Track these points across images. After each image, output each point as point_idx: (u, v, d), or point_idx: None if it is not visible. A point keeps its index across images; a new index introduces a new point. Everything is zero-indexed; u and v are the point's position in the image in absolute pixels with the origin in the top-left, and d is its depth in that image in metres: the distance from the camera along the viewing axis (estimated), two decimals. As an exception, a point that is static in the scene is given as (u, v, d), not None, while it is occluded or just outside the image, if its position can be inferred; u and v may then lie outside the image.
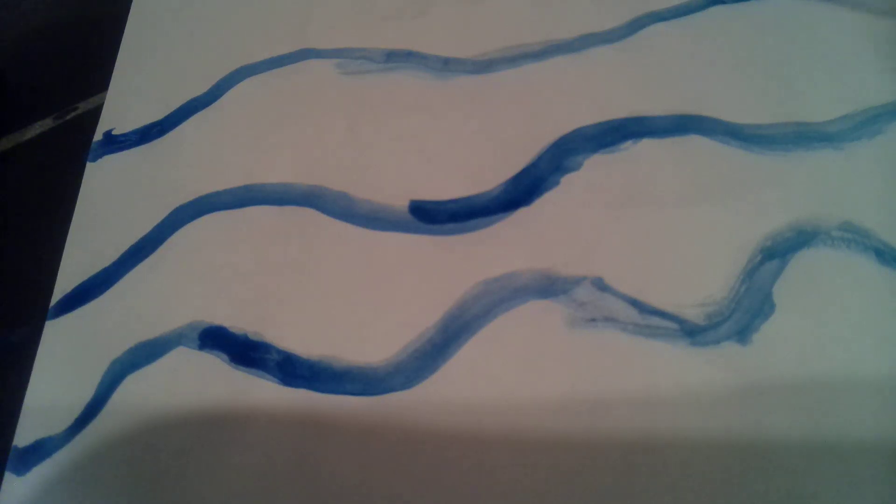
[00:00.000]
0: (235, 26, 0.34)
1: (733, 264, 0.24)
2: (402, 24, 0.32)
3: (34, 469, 0.23)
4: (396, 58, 0.31)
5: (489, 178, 0.27)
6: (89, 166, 0.30)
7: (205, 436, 0.23)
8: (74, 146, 0.31)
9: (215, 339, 0.25)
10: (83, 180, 0.30)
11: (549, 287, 0.24)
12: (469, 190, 0.27)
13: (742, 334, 0.23)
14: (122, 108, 0.32)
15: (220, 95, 0.31)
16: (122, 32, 0.35)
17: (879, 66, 0.28)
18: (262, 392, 0.24)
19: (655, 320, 0.23)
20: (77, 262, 0.28)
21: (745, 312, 0.23)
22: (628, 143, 0.27)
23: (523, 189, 0.27)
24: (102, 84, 0.33)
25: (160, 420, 0.24)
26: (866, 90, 0.27)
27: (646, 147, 0.27)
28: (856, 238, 0.24)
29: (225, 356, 0.25)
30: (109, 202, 0.29)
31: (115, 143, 0.31)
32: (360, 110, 0.30)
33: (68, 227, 0.29)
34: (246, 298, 0.26)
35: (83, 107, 0.34)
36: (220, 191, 0.29)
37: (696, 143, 0.27)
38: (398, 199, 0.27)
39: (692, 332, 0.23)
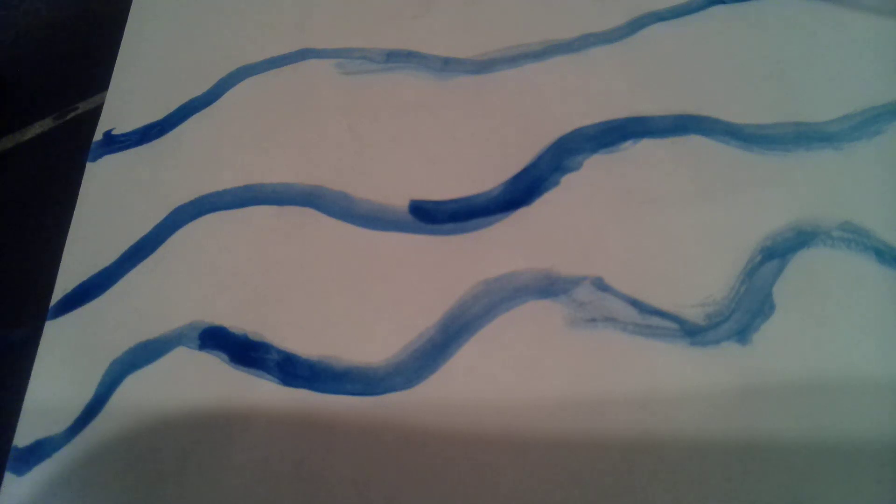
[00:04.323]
0: (235, 26, 0.34)
1: (733, 264, 0.24)
2: (402, 24, 0.32)
3: (34, 469, 0.23)
4: (396, 58, 0.31)
5: (489, 178, 0.27)
6: (89, 166, 0.30)
7: (205, 436, 0.23)
8: (74, 146, 0.31)
9: (215, 339, 0.25)
10: (83, 180, 0.30)
11: (549, 287, 0.24)
12: (469, 190, 0.27)
13: (742, 334, 0.23)
14: (122, 108, 0.32)
15: (220, 95, 0.31)
16: (123, 32, 0.35)
17: (879, 66, 0.28)
18: (262, 392, 0.24)
19: (655, 320, 0.23)
20: (77, 262, 0.28)
21: (745, 312, 0.23)
22: (628, 143, 0.27)
23: (523, 189, 0.27)
24: (102, 84, 0.33)
25: (160, 420, 0.24)
26: (866, 90, 0.27)
27: (646, 147, 0.27)
28: (856, 238, 0.24)
29: (225, 356, 0.25)
30: (109, 202, 0.29)
31: (115, 143, 0.31)
32: (360, 110, 0.30)
33: (68, 227, 0.29)
34: (246, 298, 0.26)
35: (83, 107, 0.34)
36: (220, 191, 0.29)
37: (696, 143, 0.27)
38: (398, 199, 0.27)
39: (692, 332, 0.23)
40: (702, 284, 0.24)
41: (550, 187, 0.27)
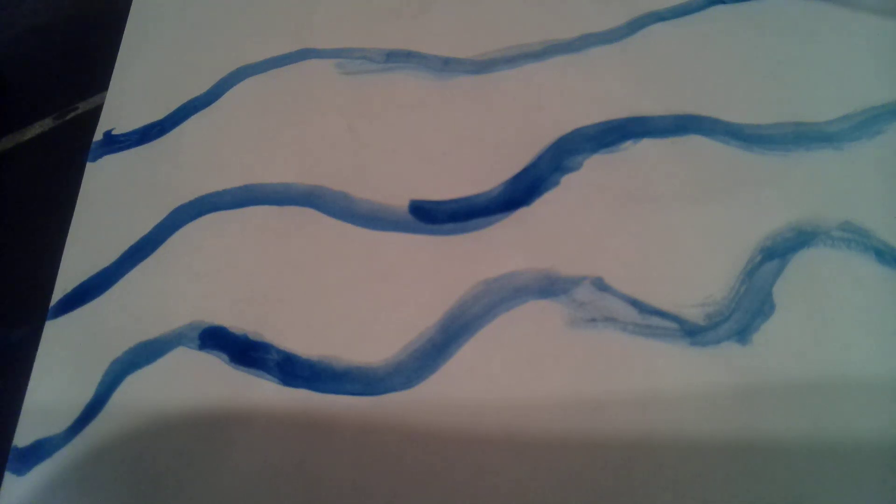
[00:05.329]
0: (235, 26, 0.34)
1: (733, 264, 0.24)
2: (402, 24, 0.32)
3: (34, 469, 0.23)
4: (396, 58, 0.31)
5: (489, 178, 0.27)
6: (89, 166, 0.30)
7: (205, 436, 0.23)
8: (74, 146, 0.31)
9: (215, 339, 0.25)
10: (83, 180, 0.30)
11: (549, 287, 0.24)
12: (469, 190, 0.27)
13: (742, 334, 0.23)
14: (122, 108, 0.32)
15: (220, 95, 0.31)
16: (123, 32, 0.35)
17: (879, 66, 0.28)
18: (262, 392, 0.24)
19: (655, 320, 0.23)
20: (77, 262, 0.28)
21: (745, 312, 0.23)
22: (628, 143, 0.27)
23: (523, 189, 0.27)
24: (102, 84, 0.33)
25: (160, 420, 0.24)
26: (866, 90, 0.27)
27: (646, 147, 0.27)
28: (856, 238, 0.24)
29: (225, 356, 0.25)
30: (109, 202, 0.29)
31: (115, 143, 0.31)
32: (360, 110, 0.30)
33: (68, 227, 0.29)
34: (246, 298, 0.26)
35: (83, 107, 0.34)
36: (220, 191, 0.29)
37: (696, 143, 0.27)
38: (398, 199, 0.27)
39: (692, 332, 0.23)
40: (702, 284, 0.24)
41: (550, 187, 0.27)
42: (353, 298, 0.25)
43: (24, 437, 0.24)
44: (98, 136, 0.31)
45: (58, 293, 0.27)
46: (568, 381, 0.23)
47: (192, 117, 0.31)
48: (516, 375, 0.23)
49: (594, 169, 0.27)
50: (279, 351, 0.24)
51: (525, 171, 0.27)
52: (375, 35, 0.32)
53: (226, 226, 0.28)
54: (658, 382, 0.22)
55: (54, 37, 0.37)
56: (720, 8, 0.30)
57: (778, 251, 0.24)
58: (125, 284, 0.27)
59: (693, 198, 0.26)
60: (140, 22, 0.35)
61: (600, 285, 0.24)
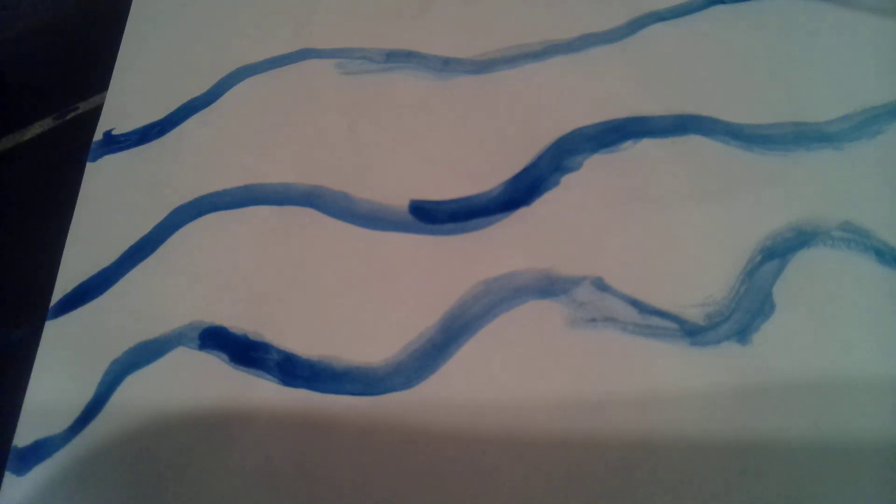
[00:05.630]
0: (235, 26, 0.34)
1: (733, 264, 0.24)
2: (402, 24, 0.32)
3: (34, 469, 0.23)
4: (396, 58, 0.31)
5: (489, 178, 0.27)
6: (89, 166, 0.30)
7: (205, 436, 0.23)
8: (74, 146, 0.31)
9: (215, 339, 0.25)
10: (83, 180, 0.30)
11: (549, 287, 0.24)
12: (469, 190, 0.27)
13: (742, 334, 0.23)
14: (122, 108, 0.32)
15: (220, 95, 0.31)
16: (123, 32, 0.35)
17: (879, 66, 0.28)
18: (262, 392, 0.24)
19: (655, 320, 0.23)
20: (77, 262, 0.28)
21: (745, 312, 0.23)
22: (628, 143, 0.27)
23: (523, 189, 0.27)
24: (102, 84, 0.33)
25: (160, 420, 0.24)
26: (866, 90, 0.27)
27: (646, 147, 0.27)
28: (856, 238, 0.24)
29: (225, 356, 0.25)
30: (109, 202, 0.29)
31: (115, 143, 0.31)
32: (360, 110, 0.30)
33: (68, 227, 0.29)
34: (246, 298, 0.26)
35: (83, 107, 0.34)
36: (220, 191, 0.29)
37: (696, 143, 0.27)
38: (398, 199, 0.27)
39: (692, 332, 0.23)
40: (702, 284, 0.24)
41: (550, 187, 0.27)
42: (353, 298, 0.25)
43: (24, 437, 0.24)
44: (98, 136, 0.31)
45: (58, 293, 0.27)
46: (568, 381, 0.23)
47: (192, 117, 0.31)
48: (516, 375, 0.23)
49: (594, 169, 0.27)
50: (279, 351, 0.24)
51: (525, 171, 0.27)
52: (375, 35, 0.32)
53: (226, 226, 0.28)
54: (658, 382, 0.22)
55: (54, 37, 0.37)
56: (720, 8, 0.30)
57: (778, 251, 0.24)
58: (125, 284, 0.27)
59: (693, 198, 0.26)
60: (140, 22, 0.35)
61: (600, 285, 0.24)
